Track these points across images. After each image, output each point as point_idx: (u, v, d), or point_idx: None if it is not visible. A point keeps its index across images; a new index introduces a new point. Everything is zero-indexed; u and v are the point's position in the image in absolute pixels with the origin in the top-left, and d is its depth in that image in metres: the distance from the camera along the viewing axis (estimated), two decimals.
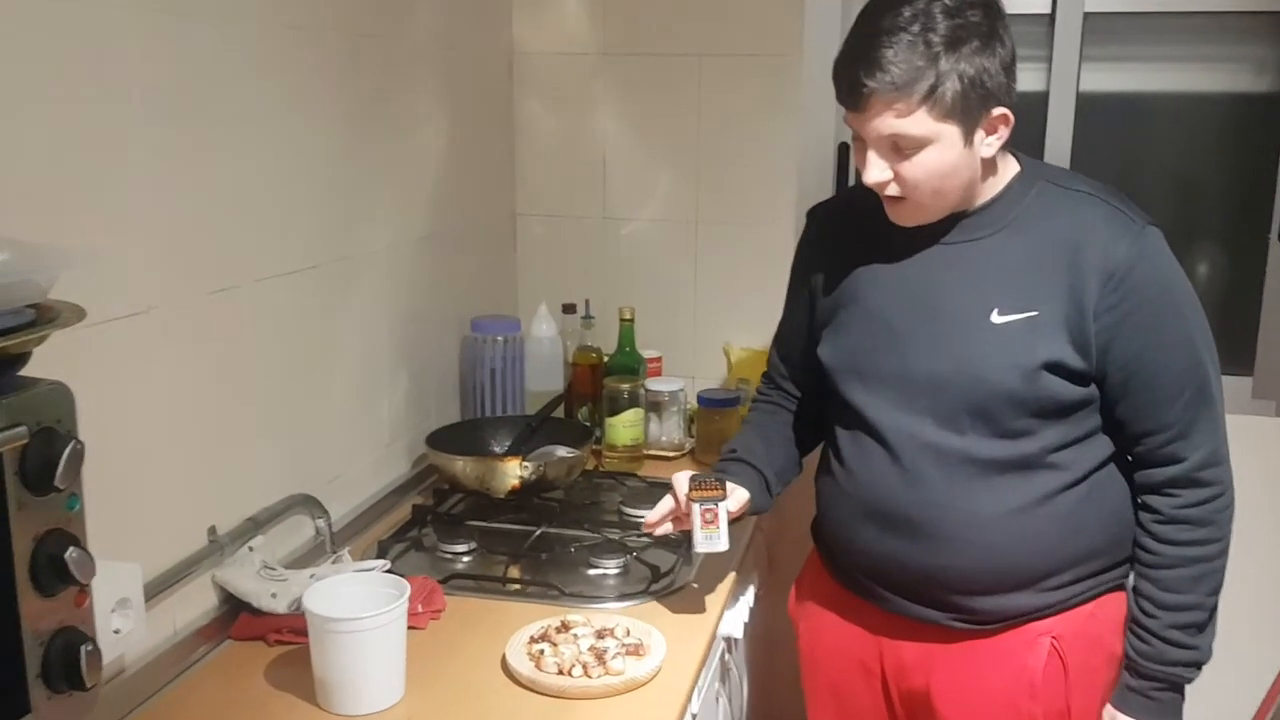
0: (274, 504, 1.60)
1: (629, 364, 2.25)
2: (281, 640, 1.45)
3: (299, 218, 1.65)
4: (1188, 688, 1.42)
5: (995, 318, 1.36)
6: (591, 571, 1.69)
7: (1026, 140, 2.29)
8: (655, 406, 2.22)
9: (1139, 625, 1.41)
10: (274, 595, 1.47)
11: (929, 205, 1.36)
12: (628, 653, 1.39)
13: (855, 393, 1.45)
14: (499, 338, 2.14)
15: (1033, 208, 1.38)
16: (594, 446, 2.09)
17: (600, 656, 1.37)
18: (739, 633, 1.75)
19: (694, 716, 1.50)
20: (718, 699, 1.73)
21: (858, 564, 1.50)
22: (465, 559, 1.74)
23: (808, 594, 1.64)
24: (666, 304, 2.42)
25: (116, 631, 1.23)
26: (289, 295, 1.63)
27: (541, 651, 1.39)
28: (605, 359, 2.26)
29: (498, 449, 2.04)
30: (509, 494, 1.86)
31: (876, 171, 1.33)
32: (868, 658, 1.54)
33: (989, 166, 1.38)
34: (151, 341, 1.34)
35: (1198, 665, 1.41)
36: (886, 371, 1.42)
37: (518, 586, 1.63)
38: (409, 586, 1.34)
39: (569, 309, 2.32)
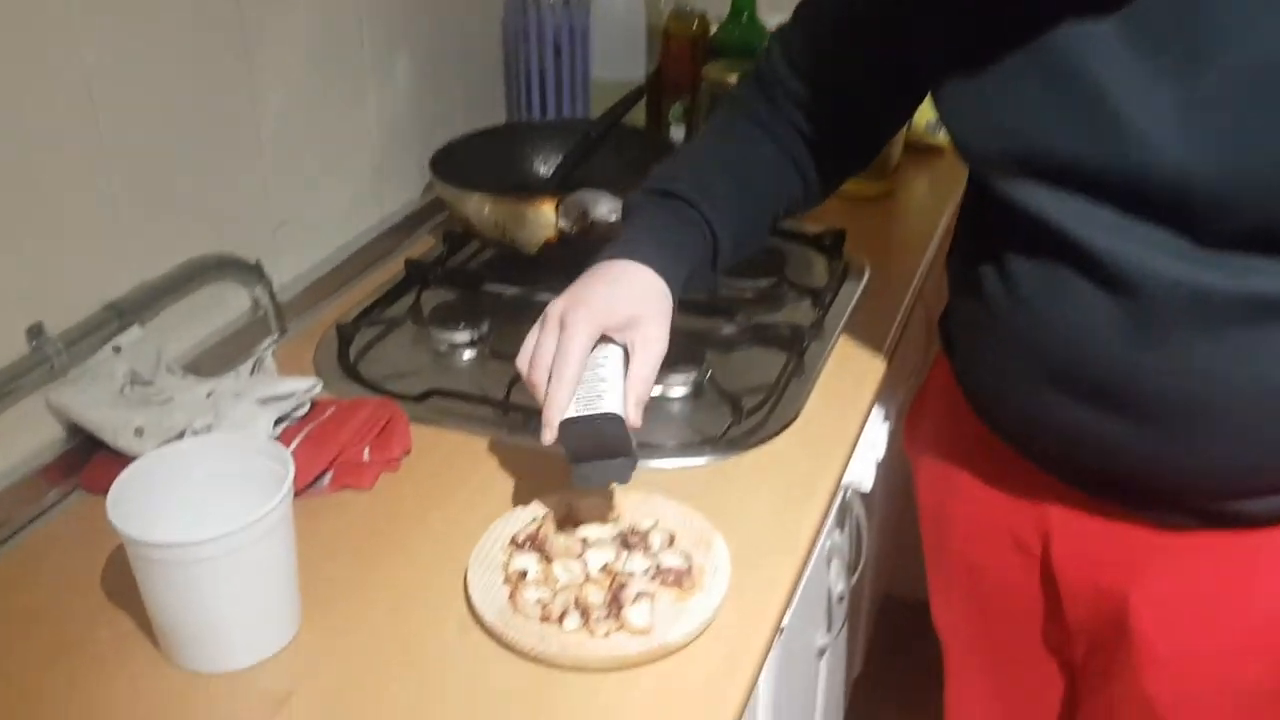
0: (159, 277, 1.06)
1: (747, 40, 1.56)
2: None
3: None
4: None
5: None
6: None
7: None
8: None
9: None
10: (139, 431, 0.96)
11: None
12: (664, 583, 0.84)
13: (1037, 196, 0.81)
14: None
15: None
16: None
17: (616, 592, 0.82)
18: (868, 482, 1.17)
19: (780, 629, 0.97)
20: (829, 563, 1.19)
21: (1038, 438, 0.92)
22: (464, 355, 1.18)
23: (932, 424, 1.07)
24: None
25: None
26: None
27: (524, 573, 0.84)
28: (711, 32, 1.56)
29: (542, 171, 1.42)
30: (542, 250, 1.26)
31: None
32: (1024, 532, 0.97)
33: None
34: None
35: None
36: (1101, 166, 0.77)
37: (522, 417, 1.06)
38: (292, 468, 0.79)
39: None
